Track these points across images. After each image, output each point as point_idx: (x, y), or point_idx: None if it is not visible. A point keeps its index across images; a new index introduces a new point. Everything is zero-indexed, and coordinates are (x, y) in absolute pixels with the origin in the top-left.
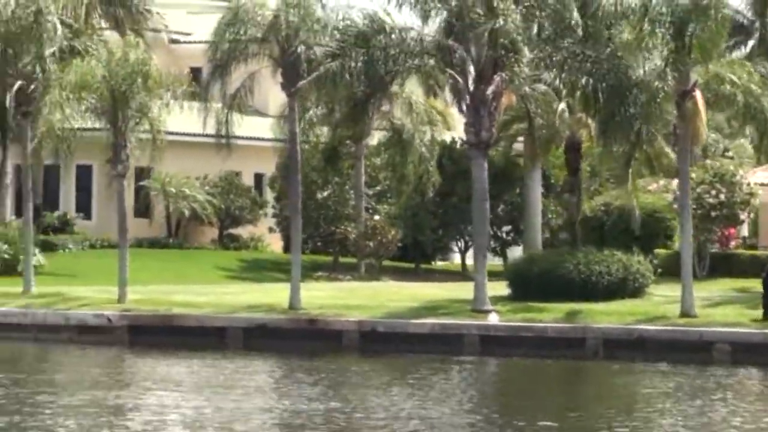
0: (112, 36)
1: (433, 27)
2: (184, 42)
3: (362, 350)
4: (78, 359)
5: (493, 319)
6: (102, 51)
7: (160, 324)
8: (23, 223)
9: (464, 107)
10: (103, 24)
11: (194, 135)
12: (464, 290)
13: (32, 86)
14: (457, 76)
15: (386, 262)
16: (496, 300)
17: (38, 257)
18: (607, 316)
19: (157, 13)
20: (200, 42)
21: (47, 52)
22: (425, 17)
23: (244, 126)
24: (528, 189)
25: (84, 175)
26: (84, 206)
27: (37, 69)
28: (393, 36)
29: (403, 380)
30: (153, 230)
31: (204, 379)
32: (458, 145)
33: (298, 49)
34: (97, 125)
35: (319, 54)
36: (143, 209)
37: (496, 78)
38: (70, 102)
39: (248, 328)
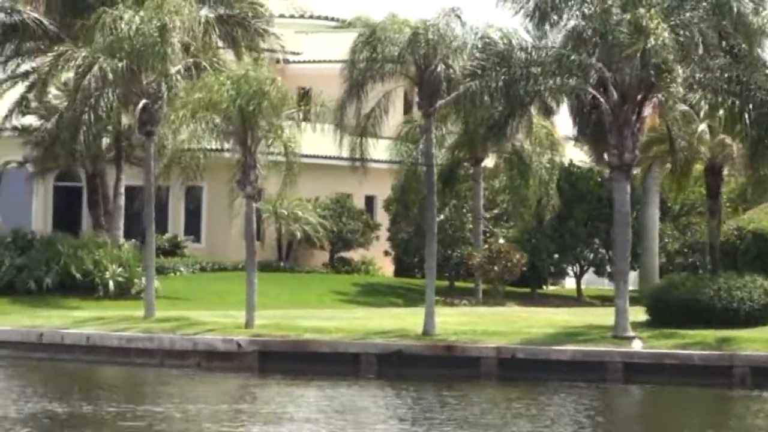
0: (225, 55)
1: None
2: (294, 62)
3: (500, 377)
4: (211, 386)
5: (636, 346)
6: (227, 69)
7: (292, 350)
8: (145, 246)
9: (608, 129)
10: (219, 43)
11: (306, 156)
12: (594, 316)
13: (157, 105)
14: (599, 96)
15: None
16: (634, 326)
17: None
18: (753, 343)
19: (274, 33)
20: (310, 62)
21: (172, 69)
22: (576, 39)
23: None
24: (645, 212)
25: (193, 196)
26: (193, 228)
27: (162, 87)
28: (533, 54)
29: (550, 407)
30: (264, 253)
31: (345, 407)
32: (576, 168)
33: (437, 68)
34: (212, 145)
35: (459, 73)
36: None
37: (648, 99)
38: (196, 121)
39: (383, 355)
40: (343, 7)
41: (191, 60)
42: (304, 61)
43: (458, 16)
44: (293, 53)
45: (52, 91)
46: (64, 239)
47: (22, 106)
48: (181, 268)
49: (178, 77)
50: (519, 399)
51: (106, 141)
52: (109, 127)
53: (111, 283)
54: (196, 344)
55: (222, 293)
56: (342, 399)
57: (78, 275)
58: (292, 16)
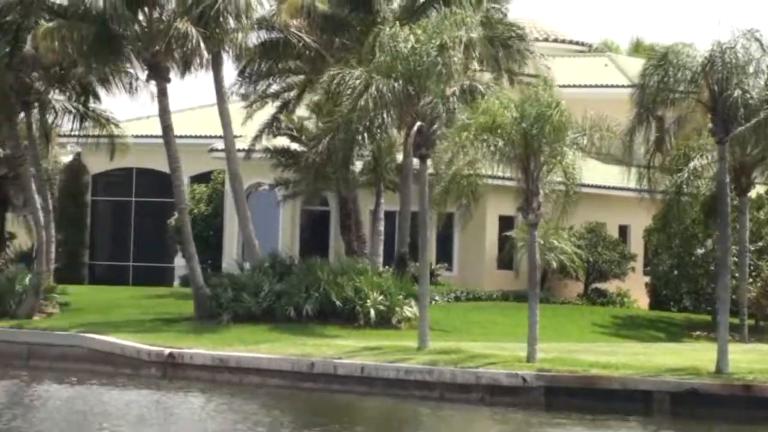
0: (482, 77)
1: None
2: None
3: None
4: (498, 423)
5: None
6: (508, 91)
7: (579, 386)
8: (420, 275)
9: None
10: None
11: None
12: None
13: (432, 127)
14: None
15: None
16: None
17: (413, 309)
18: None
19: (541, 54)
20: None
21: (448, 91)
22: None
23: (604, 174)
24: None
25: (446, 222)
26: (445, 255)
27: (440, 108)
28: None
29: None
30: (518, 283)
31: None
32: None
33: (734, 93)
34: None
35: (757, 98)
36: (507, 260)
37: None
38: (475, 145)
39: (676, 393)
40: (585, 31)
41: (467, 82)
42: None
43: (757, 39)
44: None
45: (301, 112)
46: (323, 265)
47: (272, 127)
48: (437, 297)
49: (454, 99)
50: None
51: (359, 165)
52: (365, 152)
53: (372, 312)
54: (479, 378)
55: (484, 323)
56: None
57: (338, 302)
58: (536, 39)
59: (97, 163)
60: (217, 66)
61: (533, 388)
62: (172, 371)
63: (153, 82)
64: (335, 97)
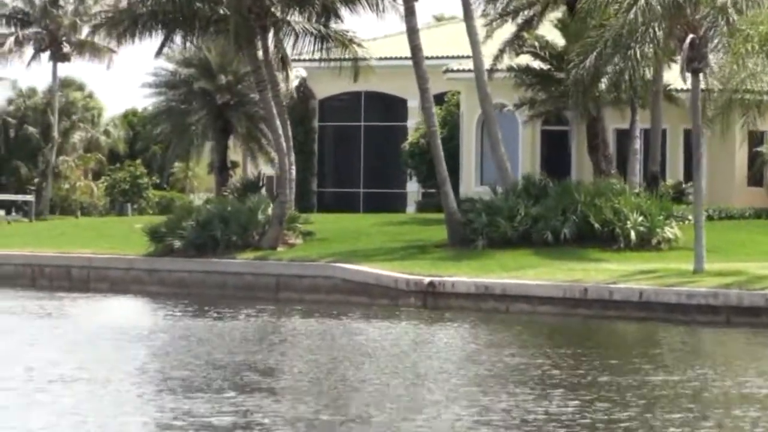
0: None
1: None
2: None
3: None
4: None
5: None
6: None
7: None
8: (695, 194)
9: None
10: None
11: None
12: None
13: (704, 41)
14: None
15: None
16: None
17: (674, 230)
18: None
19: None
20: None
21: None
22: None
23: None
24: None
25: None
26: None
27: (719, 20)
28: None
29: None
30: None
31: None
32: None
33: None
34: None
35: None
36: (758, 177)
37: None
38: (761, 57)
39: None
40: None
41: None
42: None
43: None
44: None
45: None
46: (579, 186)
47: (514, 45)
48: (689, 217)
49: (729, 8)
50: None
51: (604, 82)
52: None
53: (632, 233)
54: None
55: (745, 243)
56: None
57: (596, 225)
58: None
59: (323, 88)
60: None
61: None
62: (433, 300)
63: (400, 1)
64: (589, 12)
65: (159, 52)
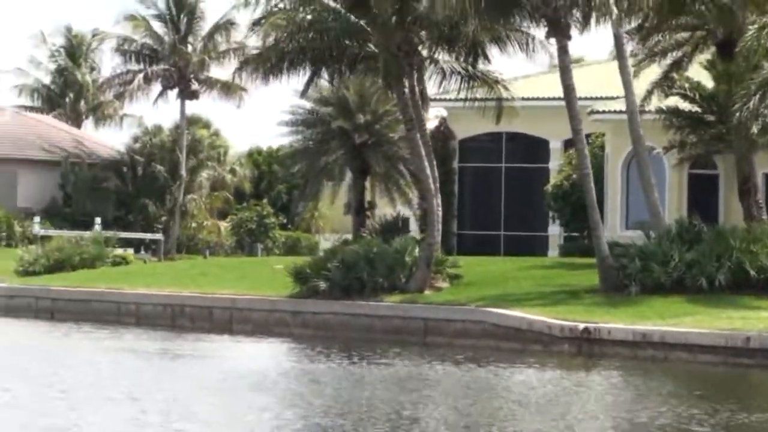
0: None
1: None
2: None
3: None
4: None
5: None
6: None
7: None
8: None
9: None
10: None
11: None
12: None
13: None
14: None
15: None
16: None
17: None
18: None
19: None
20: None
21: None
22: None
23: None
24: None
25: None
26: None
27: None
28: None
29: None
30: None
31: None
32: None
33: None
34: None
35: None
36: None
37: None
38: None
39: None
40: None
41: None
42: None
43: None
44: None
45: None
46: (735, 232)
47: (663, 86)
48: None
49: None
50: None
51: (758, 125)
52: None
53: None
54: None
55: None
56: None
57: (752, 272)
58: None
59: (463, 128)
60: (618, 21)
61: None
62: (588, 347)
63: (552, 40)
64: (750, 53)
65: (305, 90)
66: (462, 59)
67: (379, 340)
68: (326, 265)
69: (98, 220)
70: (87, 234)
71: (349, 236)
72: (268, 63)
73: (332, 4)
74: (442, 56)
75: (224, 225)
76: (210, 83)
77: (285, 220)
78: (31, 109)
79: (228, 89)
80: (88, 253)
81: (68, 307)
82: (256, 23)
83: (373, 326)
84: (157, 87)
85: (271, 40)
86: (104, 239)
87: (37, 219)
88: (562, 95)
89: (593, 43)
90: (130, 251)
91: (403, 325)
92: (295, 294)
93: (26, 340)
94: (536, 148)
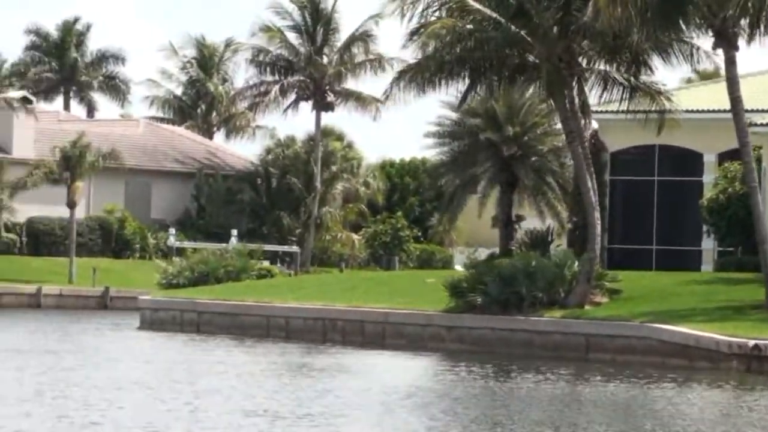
0: None
1: None
2: None
3: None
4: None
5: None
6: None
7: None
8: None
9: None
10: None
11: None
12: None
13: None
14: None
15: None
16: None
17: None
18: None
19: None
20: None
21: None
22: None
23: None
24: None
25: None
26: None
27: None
28: None
29: None
30: None
31: None
32: None
33: None
34: None
35: None
36: None
37: None
38: None
39: None
40: None
41: None
42: None
43: None
44: None
45: None
46: None
47: None
48: None
49: None
50: None
51: None
52: None
53: None
54: None
55: None
56: None
57: None
58: None
59: (615, 140)
60: None
61: None
62: (757, 364)
63: (719, 51)
64: None
65: (463, 101)
66: (624, 69)
67: (539, 356)
68: (483, 279)
69: (234, 232)
70: (222, 246)
71: (496, 250)
72: (427, 73)
73: (492, 14)
74: (603, 66)
75: (357, 237)
76: (346, 95)
77: (419, 233)
78: (163, 120)
79: (364, 101)
80: (232, 265)
81: (214, 320)
82: (414, 33)
83: (533, 341)
84: (289, 98)
85: (429, 49)
86: (249, 252)
87: (172, 231)
88: (716, 107)
89: (743, 55)
90: (266, 263)
91: (564, 341)
92: (451, 308)
93: (204, 356)
94: (690, 161)
